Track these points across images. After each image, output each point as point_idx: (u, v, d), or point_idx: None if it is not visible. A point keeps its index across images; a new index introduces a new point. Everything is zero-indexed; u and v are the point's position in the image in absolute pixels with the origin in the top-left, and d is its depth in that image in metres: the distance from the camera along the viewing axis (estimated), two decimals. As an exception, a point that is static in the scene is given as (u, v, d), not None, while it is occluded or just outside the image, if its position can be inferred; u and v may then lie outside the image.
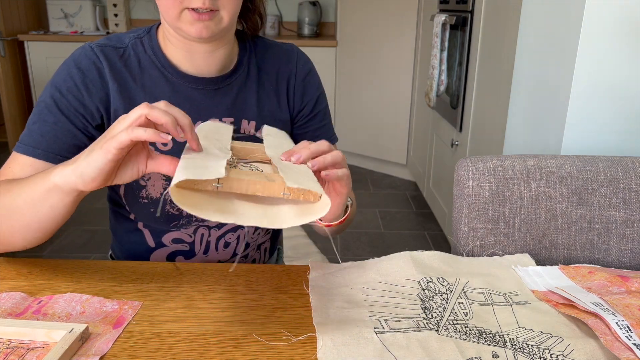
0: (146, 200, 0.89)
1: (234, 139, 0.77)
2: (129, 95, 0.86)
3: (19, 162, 0.81)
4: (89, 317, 0.67)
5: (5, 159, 0.84)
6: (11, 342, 0.61)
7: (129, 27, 3.96)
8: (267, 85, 0.95)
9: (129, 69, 0.87)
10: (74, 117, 0.83)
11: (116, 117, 0.85)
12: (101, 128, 0.87)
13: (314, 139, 1.00)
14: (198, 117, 0.89)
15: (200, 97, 0.90)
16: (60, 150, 0.82)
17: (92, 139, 0.86)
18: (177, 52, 0.88)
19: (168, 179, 0.88)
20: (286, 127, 0.97)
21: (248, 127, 0.93)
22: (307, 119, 0.99)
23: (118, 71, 0.86)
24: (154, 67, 0.88)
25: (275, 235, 1.07)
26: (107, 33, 3.79)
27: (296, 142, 1.01)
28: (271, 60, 0.96)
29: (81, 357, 0.60)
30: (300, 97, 0.98)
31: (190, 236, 0.94)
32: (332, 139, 1.03)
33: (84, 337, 0.62)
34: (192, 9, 0.78)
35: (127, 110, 0.85)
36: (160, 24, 0.91)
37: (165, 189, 0.89)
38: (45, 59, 3.54)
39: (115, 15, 3.86)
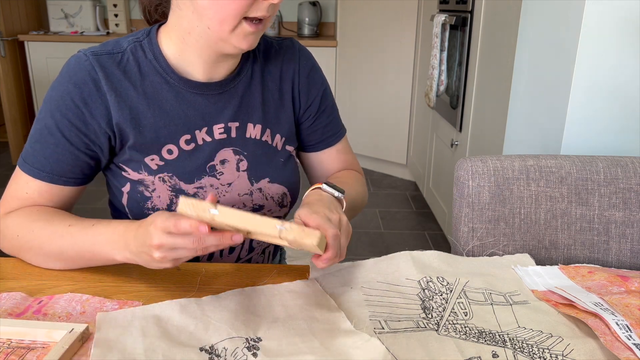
0: (152, 212, 0.86)
1: None
2: (129, 105, 0.82)
3: (34, 188, 0.82)
4: (89, 317, 0.67)
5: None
6: (11, 342, 0.61)
7: (129, 27, 3.96)
8: (271, 86, 0.92)
9: (128, 77, 0.83)
10: (75, 139, 0.81)
11: (120, 131, 0.82)
12: (111, 146, 0.84)
13: (323, 135, 0.99)
14: (203, 123, 0.86)
15: (204, 103, 0.86)
16: (65, 172, 0.82)
17: (94, 157, 0.84)
18: (186, 58, 0.84)
19: (174, 189, 0.86)
20: (290, 129, 0.95)
21: (254, 131, 0.90)
22: (316, 117, 0.97)
23: (116, 80, 0.81)
24: (156, 72, 0.84)
25: None
26: (108, 33, 3.79)
27: (304, 140, 0.99)
28: (273, 59, 0.93)
29: (81, 357, 0.60)
30: (306, 94, 0.95)
31: None
32: (341, 132, 1.02)
33: (84, 337, 0.62)
34: (252, 19, 0.75)
35: (128, 121, 0.82)
36: (160, 25, 0.87)
37: (171, 200, 0.86)
38: (46, 59, 3.54)
39: (116, 15, 3.86)
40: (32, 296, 0.71)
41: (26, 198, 0.82)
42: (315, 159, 1.02)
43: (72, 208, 0.88)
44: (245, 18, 0.76)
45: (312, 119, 0.97)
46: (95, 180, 0.89)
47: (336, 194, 0.81)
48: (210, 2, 0.75)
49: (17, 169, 0.84)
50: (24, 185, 0.82)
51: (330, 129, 1.00)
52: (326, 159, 1.01)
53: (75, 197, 0.86)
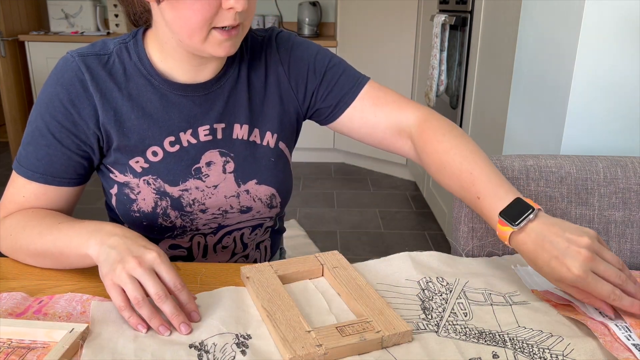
0: (138, 214, 0.87)
1: None
2: (114, 107, 0.82)
3: (30, 191, 0.82)
4: (89, 317, 0.67)
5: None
6: (12, 342, 0.62)
7: (129, 28, 3.96)
8: (256, 83, 0.90)
9: (113, 78, 0.83)
10: (66, 140, 0.81)
11: (105, 132, 0.83)
12: (100, 147, 0.84)
13: (344, 96, 0.91)
14: (187, 125, 0.86)
15: (189, 104, 0.85)
16: (59, 173, 0.82)
17: (86, 158, 0.84)
18: (169, 63, 0.84)
19: (158, 192, 0.86)
20: (282, 124, 0.92)
21: (241, 131, 0.89)
22: (326, 85, 0.91)
23: (102, 81, 0.82)
24: (140, 74, 0.84)
25: (274, 233, 1.07)
26: (108, 34, 3.79)
27: (325, 110, 0.92)
28: (258, 55, 0.91)
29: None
30: (295, 77, 0.91)
31: (188, 241, 0.93)
32: (361, 81, 0.92)
33: (85, 337, 0.62)
34: (221, 27, 0.75)
35: (112, 123, 0.82)
36: (146, 28, 0.86)
37: (155, 203, 0.86)
38: (46, 59, 3.54)
39: (116, 15, 3.86)
40: (32, 296, 0.71)
41: (23, 202, 0.82)
42: (347, 118, 0.92)
43: (72, 210, 0.88)
44: (215, 27, 0.75)
45: (324, 89, 0.91)
46: (96, 181, 0.89)
47: (532, 216, 0.70)
48: (174, 16, 0.74)
49: (13, 172, 0.84)
50: (20, 188, 0.83)
51: (344, 85, 0.91)
52: (356, 113, 0.91)
53: (73, 198, 0.86)
